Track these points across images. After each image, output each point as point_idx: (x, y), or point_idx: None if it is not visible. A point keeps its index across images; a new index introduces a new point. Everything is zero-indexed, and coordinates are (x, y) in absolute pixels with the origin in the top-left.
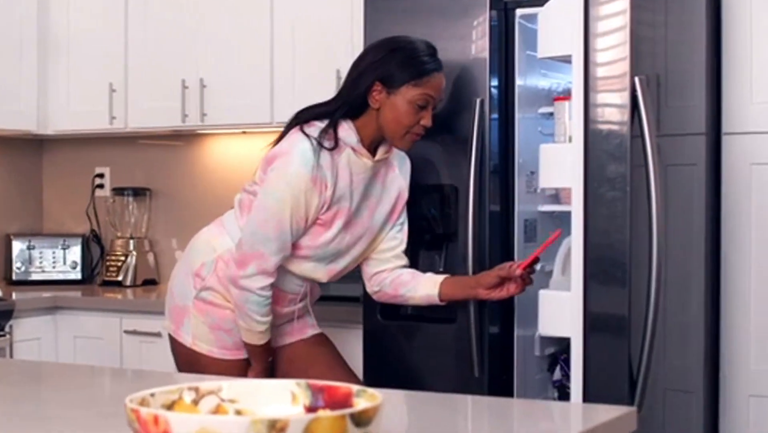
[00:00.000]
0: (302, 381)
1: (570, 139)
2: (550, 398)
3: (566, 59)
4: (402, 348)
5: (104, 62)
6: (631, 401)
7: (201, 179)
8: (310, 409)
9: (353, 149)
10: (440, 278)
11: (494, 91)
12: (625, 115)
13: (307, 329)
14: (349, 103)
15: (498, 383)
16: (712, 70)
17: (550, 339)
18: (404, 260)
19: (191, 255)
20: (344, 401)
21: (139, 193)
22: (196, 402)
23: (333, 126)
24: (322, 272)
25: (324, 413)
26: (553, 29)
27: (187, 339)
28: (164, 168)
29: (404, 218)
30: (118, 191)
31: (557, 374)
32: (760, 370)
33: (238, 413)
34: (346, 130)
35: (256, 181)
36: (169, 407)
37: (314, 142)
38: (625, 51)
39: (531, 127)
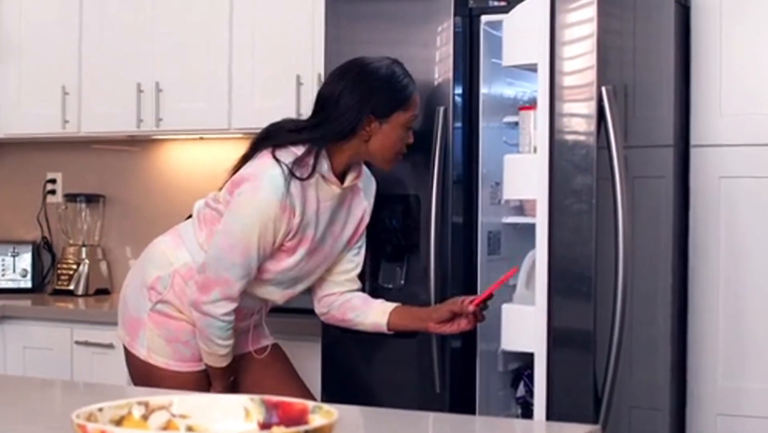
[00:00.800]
0: (256, 397)
1: (535, 150)
2: (513, 415)
3: (532, 68)
4: (361, 362)
5: (57, 64)
6: (596, 418)
7: (156, 186)
8: (264, 426)
9: (323, 176)
10: (390, 306)
11: (458, 99)
12: (592, 126)
13: (261, 339)
14: (333, 135)
15: (460, 399)
16: (680, 81)
17: (514, 354)
18: (357, 284)
19: (146, 266)
20: (299, 418)
21: (92, 199)
22: (145, 417)
23: (313, 155)
24: (278, 295)
25: (279, 430)
26: (519, 37)
27: (141, 352)
28: (118, 174)
29: (363, 240)
30: (71, 197)
31: (521, 390)
32: (728, 387)
33: (190, 429)
34: (319, 159)
35: (220, 200)
36: (118, 422)
37: (285, 170)
38: (592, 60)
39: (495, 136)
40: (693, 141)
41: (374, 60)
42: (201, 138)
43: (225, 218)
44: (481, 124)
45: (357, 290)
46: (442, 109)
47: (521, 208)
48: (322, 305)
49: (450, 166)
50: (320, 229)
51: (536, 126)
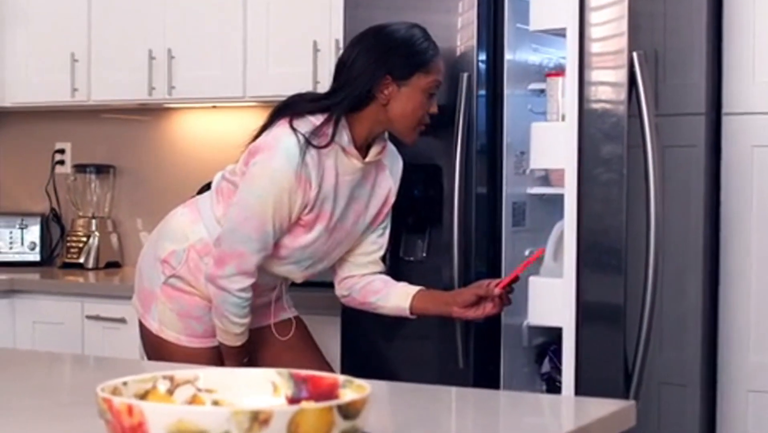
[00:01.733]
0: (284, 371)
1: (563, 118)
2: (538, 391)
3: (560, 33)
4: (382, 337)
5: (66, 31)
6: (626, 394)
7: (168, 156)
8: (293, 400)
9: (343, 149)
10: (414, 289)
11: (482, 66)
12: (622, 94)
13: (282, 312)
14: (351, 99)
15: (483, 375)
16: (712, 47)
17: (539, 329)
18: (380, 266)
19: (161, 239)
20: (329, 393)
21: (102, 170)
22: (171, 392)
23: (332, 123)
24: (298, 275)
25: (310, 405)
26: (547, 1)
27: (153, 325)
28: (129, 144)
29: (387, 221)
30: (80, 168)
31: (546, 366)
32: (760, 363)
33: (216, 403)
34: (339, 128)
35: (237, 171)
36: (143, 396)
37: (301, 139)
38: (622, 26)
39: (520, 104)
40: (725, 109)
41: (393, 24)
42: (214, 107)
43: (240, 189)
44: (506, 91)
45: (379, 273)
46: (465, 75)
47: (547, 178)
48: (342, 287)
49: (474, 135)
50: (339, 205)
51: (564, 93)
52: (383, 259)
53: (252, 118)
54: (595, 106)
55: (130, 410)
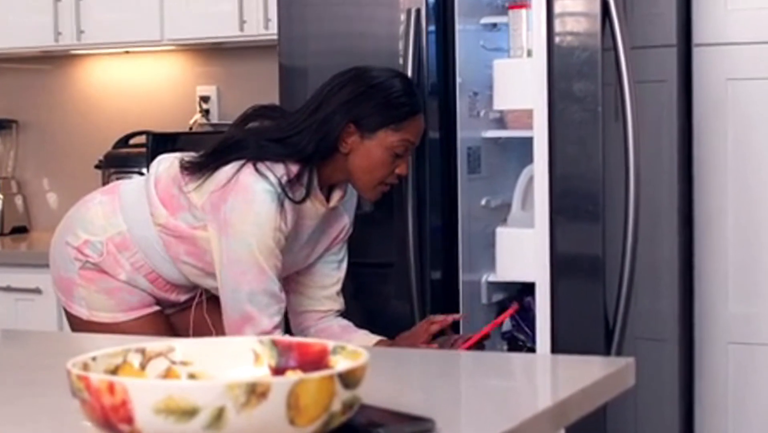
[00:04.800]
0: (265, 338)
1: (529, 54)
2: (498, 351)
3: None
4: None
5: None
6: (606, 352)
7: (77, 109)
8: (278, 370)
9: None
10: (374, 339)
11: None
12: (595, 25)
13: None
14: (322, 147)
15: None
16: None
17: (499, 285)
18: (338, 304)
19: (74, 226)
20: (319, 360)
21: (3, 125)
22: (143, 366)
23: (306, 174)
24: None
25: (310, 375)
26: None
27: (82, 312)
28: (32, 96)
29: (344, 254)
30: None
31: (507, 324)
32: (740, 314)
33: (192, 377)
34: (312, 177)
35: (200, 209)
36: (113, 372)
37: (275, 183)
38: None
39: (472, 40)
40: (696, 40)
41: (378, 68)
42: (126, 52)
43: (223, 245)
44: (457, 27)
45: (338, 312)
46: (414, 10)
47: (502, 120)
48: (297, 321)
49: (425, 75)
50: (296, 246)
51: (530, 27)
52: (339, 293)
53: (170, 64)
54: (565, 39)
55: (111, 387)
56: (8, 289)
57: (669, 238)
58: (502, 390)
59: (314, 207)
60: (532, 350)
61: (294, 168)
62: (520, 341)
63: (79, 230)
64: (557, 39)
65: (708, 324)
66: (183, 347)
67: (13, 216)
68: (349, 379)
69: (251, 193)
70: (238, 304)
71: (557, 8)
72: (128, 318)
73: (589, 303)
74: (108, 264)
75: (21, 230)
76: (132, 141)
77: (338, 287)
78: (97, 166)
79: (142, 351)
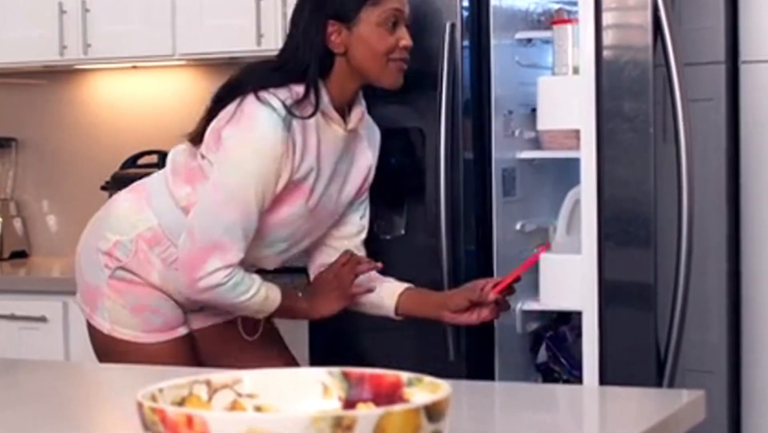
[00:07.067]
0: (335, 370)
1: (576, 71)
2: (532, 382)
3: None
4: (356, 328)
5: None
6: (658, 384)
7: (80, 127)
8: (348, 403)
9: (323, 114)
10: (401, 287)
11: (465, 13)
12: (647, 41)
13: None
14: (317, 59)
15: (476, 368)
16: None
17: (533, 313)
18: (362, 252)
19: (102, 229)
20: (393, 392)
21: (2, 144)
22: (209, 398)
23: (312, 90)
24: (271, 260)
25: (397, 408)
26: None
27: (104, 325)
28: (33, 113)
29: (367, 202)
30: None
31: (542, 355)
32: None
33: (258, 410)
34: (320, 94)
35: (203, 153)
36: (180, 405)
37: (280, 106)
38: None
39: (507, 56)
40: (743, 56)
41: None
42: (134, 67)
43: (215, 170)
44: (492, 42)
45: None
46: (448, 24)
47: (537, 140)
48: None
49: (459, 93)
50: (322, 180)
51: (576, 42)
52: (363, 244)
53: (183, 79)
54: (614, 55)
55: (189, 421)
56: (12, 317)
57: (717, 265)
58: (563, 423)
59: (332, 130)
60: (568, 382)
61: (299, 88)
62: (556, 372)
63: (108, 232)
64: (606, 54)
65: (757, 356)
66: (250, 378)
67: (12, 240)
68: (433, 412)
69: (253, 120)
70: (212, 230)
71: (606, 21)
72: (149, 340)
73: (640, 333)
74: (138, 264)
75: (20, 255)
76: (141, 161)
77: (363, 236)
78: (103, 188)
79: (208, 382)
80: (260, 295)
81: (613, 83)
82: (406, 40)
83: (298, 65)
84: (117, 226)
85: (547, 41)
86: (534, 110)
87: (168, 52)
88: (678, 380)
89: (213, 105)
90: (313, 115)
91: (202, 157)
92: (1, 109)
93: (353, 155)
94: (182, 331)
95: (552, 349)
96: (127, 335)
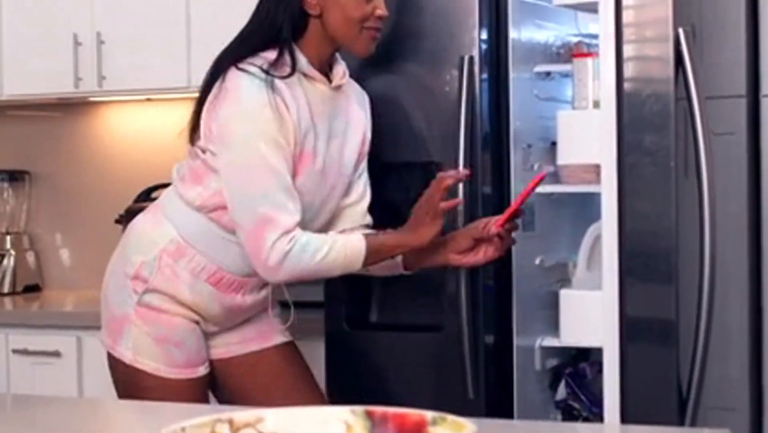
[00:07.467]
0: (358, 409)
1: (596, 105)
2: (552, 420)
3: (588, 7)
4: (374, 364)
5: None
6: (680, 422)
7: (95, 159)
8: None
9: (305, 75)
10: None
11: (484, 46)
12: (668, 74)
13: (275, 335)
14: (289, 20)
15: (496, 405)
16: (749, 19)
17: (552, 350)
18: (369, 218)
19: (126, 255)
20: (417, 432)
21: (15, 177)
22: None
23: (286, 51)
24: None
25: None
26: None
27: (127, 355)
28: (46, 145)
29: (366, 169)
30: None
31: (561, 392)
32: None
33: None
34: (295, 55)
35: (203, 146)
36: None
37: (258, 71)
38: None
39: (525, 89)
40: (764, 90)
41: None
42: (148, 99)
43: (220, 150)
44: (511, 75)
45: (368, 226)
46: (466, 58)
47: (556, 174)
48: None
49: (478, 126)
50: (321, 140)
51: (596, 76)
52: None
53: None
54: (635, 89)
55: None
56: (25, 352)
57: (738, 300)
58: None
59: (318, 90)
60: (588, 419)
61: (272, 54)
62: (576, 410)
63: (132, 255)
64: (627, 87)
65: None
66: (272, 417)
67: (25, 273)
68: None
69: (238, 90)
70: (252, 209)
71: (627, 53)
72: (170, 375)
73: (661, 369)
74: (165, 281)
75: (33, 288)
76: (155, 194)
77: (368, 200)
78: (117, 221)
79: (230, 421)
80: (338, 249)
81: (633, 117)
82: (381, 10)
83: (271, 27)
84: (139, 247)
85: (566, 74)
86: (553, 144)
87: (183, 85)
88: (699, 417)
89: (201, 94)
90: (291, 74)
91: (203, 151)
92: (15, 141)
93: (347, 116)
94: (202, 370)
95: (572, 386)
96: (148, 367)
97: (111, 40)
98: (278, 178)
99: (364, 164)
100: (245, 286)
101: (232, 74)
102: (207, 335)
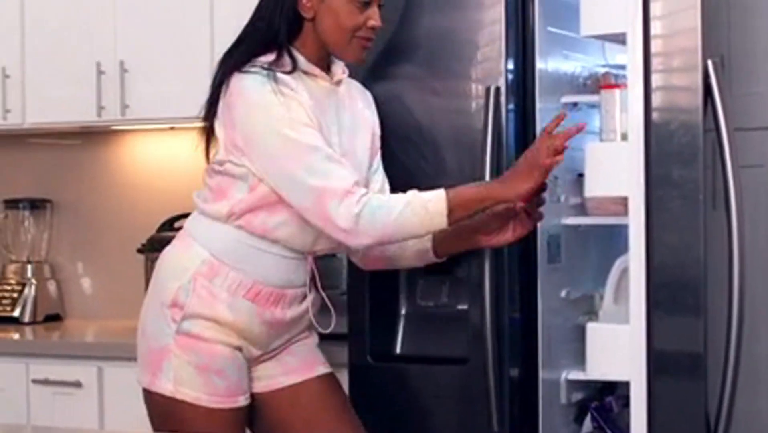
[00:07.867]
0: None
1: (624, 137)
2: None
3: (616, 39)
4: (398, 396)
5: None
6: None
7: (117, 188)
8: None
9: (305, 72)
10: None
11: (510, 76)
12: (697, 105)
13: (317, 366)
14: (285, 23)
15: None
16: None
17: (578, 384)
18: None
19: (161, 283)
20: None
21: (37, 206)
22: None
23: (285, 52)
24: (309, 236)
25: None
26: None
27: (167, 387)
28: (68, 174)
29: (380, 160)
30: (11, 204)
31: (587, 426)
32: None
33: None
34: (293, 55)
35: (224, 158)
36: None
37: (261, 70)
38: (694, 30)
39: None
40: None
41: None
42: (172, 128)
43: (249, 151)
44: (538, 105)
45: None
46: (493, 88)
47: (582, 206)
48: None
49: (504, 157)
50: (332, 131)
51: (624, 108)
52: None
53: None
54: (664, 120)
55: None
56: (46, 382)
57: (766, 333)
58: None
59: (320, 86)
60: None
61: (270, 57)
62: None
63: (167, 283)
64: (655, 118)
65: None
66: None
67: (46, 303)
68: None
69: (244, 90)
70: (303, 187)
71: (655, 83)
72: (210, 405)
73: (689, 403)
74: (201, 303)
75: (54, 318)
76: (177, 223)
77: (387, 188)
78: (140, 251)
79: None
80: (416, 204)
81: (662, 149)
82: (374, 21)
83: (269, 30)
84: (173, 273)
85: (593, 105)
86: (580, 175)
87: None
88: None
89: (208, 107)
90: (293, 70)
91: (221, 164)
92: (37, 170)
93: (353, 112)
94: (242, 401)
95: (597, 420)
96: (189, 396)
97: (134, 68)
98: (313, 151)
99: (378, 159)
100: (284, 298)
101: (235, 80)
102: (250, 364)
